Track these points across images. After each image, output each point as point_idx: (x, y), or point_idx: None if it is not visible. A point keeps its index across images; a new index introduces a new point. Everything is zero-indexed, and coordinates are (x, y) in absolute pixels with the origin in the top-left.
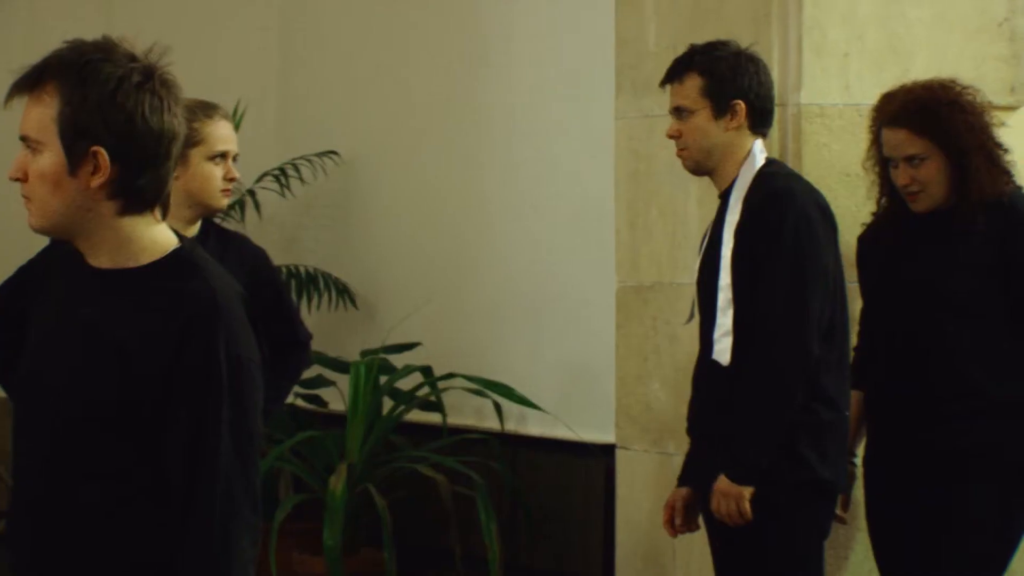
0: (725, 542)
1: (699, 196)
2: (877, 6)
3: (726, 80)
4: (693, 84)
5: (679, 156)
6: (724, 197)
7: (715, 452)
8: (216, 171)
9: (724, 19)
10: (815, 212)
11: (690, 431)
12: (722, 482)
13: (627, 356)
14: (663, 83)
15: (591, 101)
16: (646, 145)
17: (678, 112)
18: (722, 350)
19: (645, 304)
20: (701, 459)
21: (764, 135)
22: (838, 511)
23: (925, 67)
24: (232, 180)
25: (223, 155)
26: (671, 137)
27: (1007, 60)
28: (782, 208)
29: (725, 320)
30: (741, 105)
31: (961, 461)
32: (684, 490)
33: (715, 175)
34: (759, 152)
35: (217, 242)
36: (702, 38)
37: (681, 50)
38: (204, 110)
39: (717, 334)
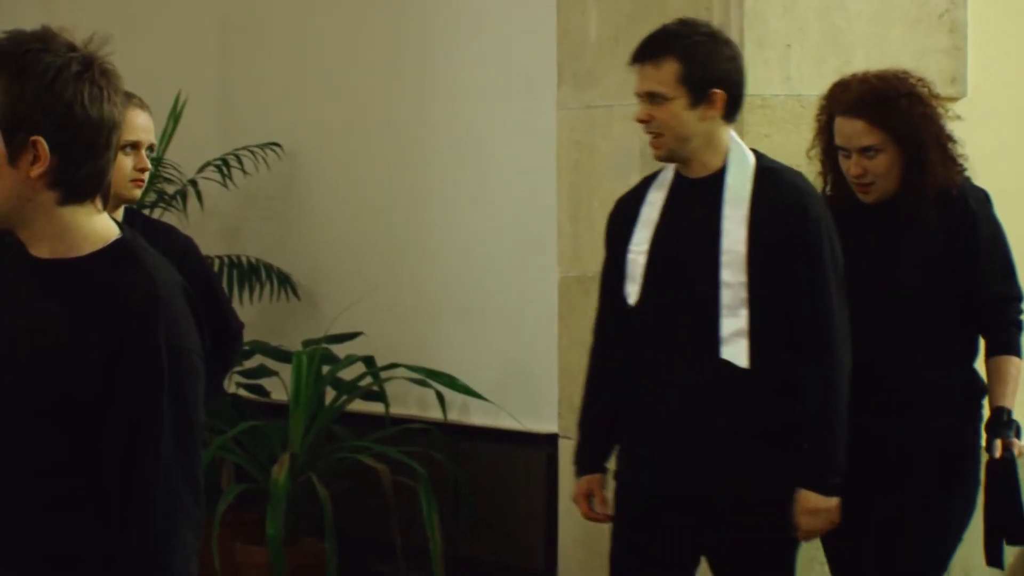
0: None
1: None
2: None
3: (706, 67)
4: (671, 69)
5: (653, 145)
6: (703, 185)
7: (735, 451)
8: (126, 161)
9: (666, 10)
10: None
11: (597, 415)
12: (811, 499)
13: (569, 346)
14: (635, 62)
15: (533, 93)
16: (588, 136)
17: (652, 97)
18: (736, 352)
19: (587, 295)
20: (603, 446)
21: (734, 122)
22: None
23: (866, 59)
24: (143, 171)
25: (134, 145)
26: (641, 122)
27: (948, 52)
28: (814, 208)
29: (736, 320)
30: (720, 94)
31: (911, 453)
32: (598, 476)
33: (690, 162)
34: (739, 141)
35: (143, 233)
36: (644, 30)
37: (623, 42)
38: None
39: (726, 333)
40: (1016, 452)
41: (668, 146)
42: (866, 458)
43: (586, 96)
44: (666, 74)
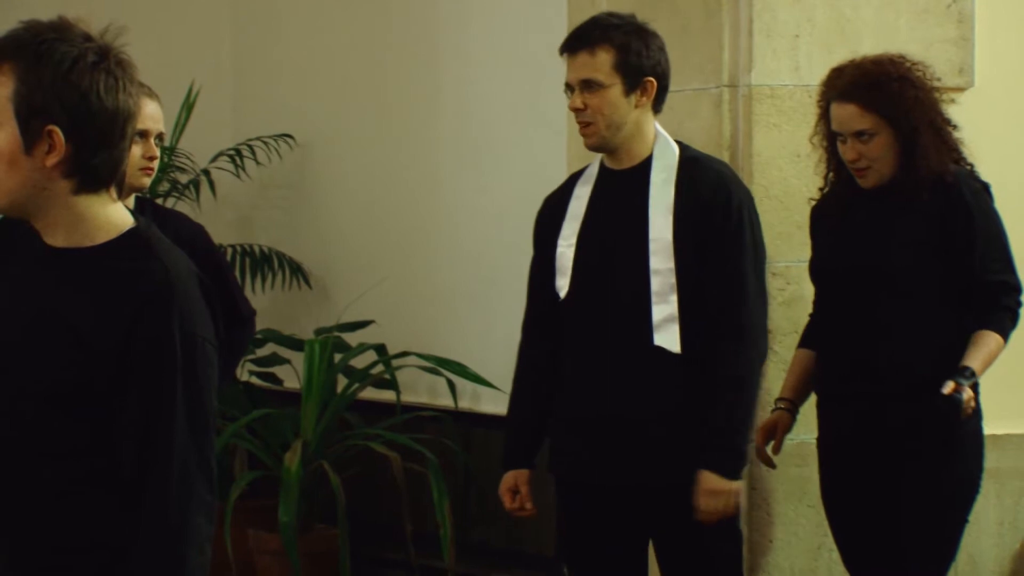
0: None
1: None
2: None
3: (640, 56)
4: (606, 57)
5: (584, 133)
6: (629, 176)
7: (669, 437)
8: (135, 150)
9: (675, 3)
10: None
11: (524, 411)
12: (712, 480)
13: None
14: (566, 51)
15: (544, 82)
16: None
17: (587, 85)
18: (668, 338)
19: None
20: (530, 441)
21: (660, 112)
22: (770, 452)
23: (873, 48)
24: (152, 159)
25: (143, 134)
26: (575, 110)
27: (955, 42)
28: (737, 196)
29: (667, 306)
30: (652, 82)
31: (909, 439)
32: (525, 472)
33: (618, 152)
34: (664, 132)
35: (153, 220)
36: (654, 21)
37: None
38: None
39: (658, 319)
40: (964, 397)
41: (600, 133)
42: (865, 445)
43: None
44: (601, 61)
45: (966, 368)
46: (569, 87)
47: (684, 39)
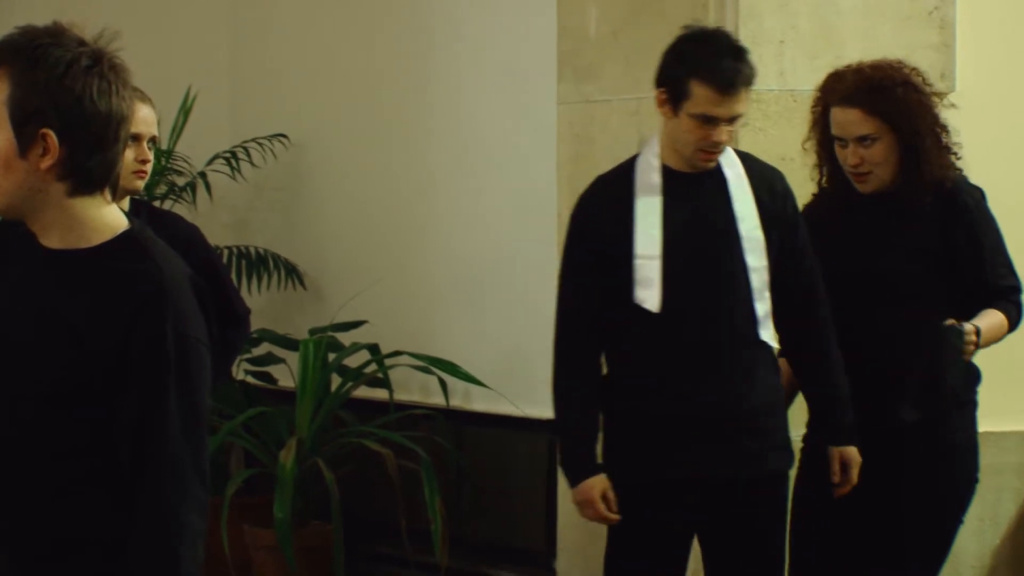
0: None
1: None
2: None
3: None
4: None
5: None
6: (700, 177)
7: (769, 428)
8: (128, 153)
9: (663, 8)
10: None
11: (591, 417)
12: (854, 453)
13: None
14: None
15: (533, 87)
16: (587, 129)
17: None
18: (769, 333)
19: None
20: (595, 446)
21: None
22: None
23: (857, 54)
24: (145, 162)
25: (136, 137)
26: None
27: (937, 48)
28: (790, 188)
29: (765, 303)
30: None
31: (909, 442)
32: (604, 476)
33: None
34: None
35: (149, 222)
36: (642, 27)
37: (622, 38)
38: None
39: (760, 315)
40: (966, 329)
41: None
42: (865, 446)
43: (585, 91)
44: None
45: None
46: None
47: None
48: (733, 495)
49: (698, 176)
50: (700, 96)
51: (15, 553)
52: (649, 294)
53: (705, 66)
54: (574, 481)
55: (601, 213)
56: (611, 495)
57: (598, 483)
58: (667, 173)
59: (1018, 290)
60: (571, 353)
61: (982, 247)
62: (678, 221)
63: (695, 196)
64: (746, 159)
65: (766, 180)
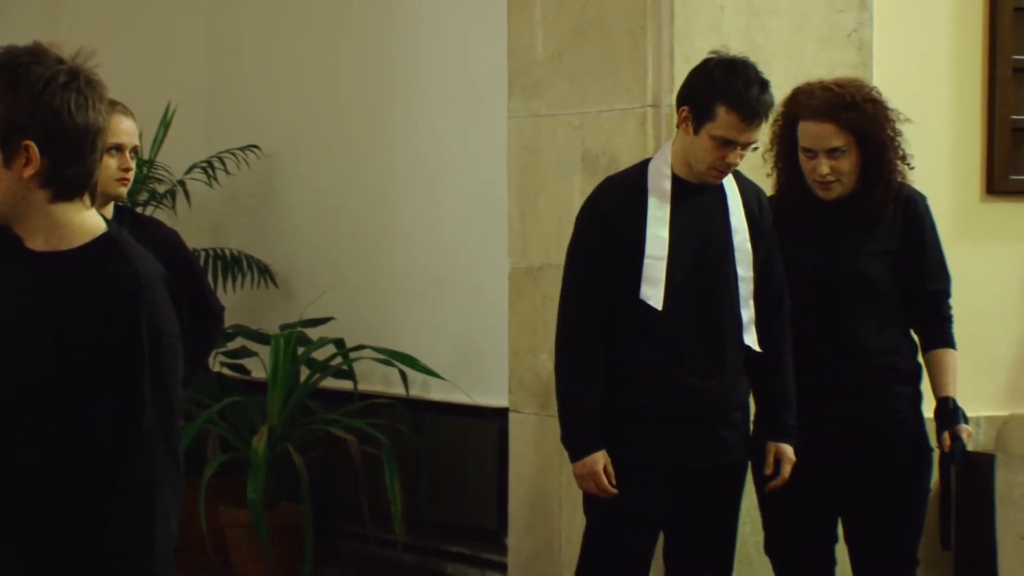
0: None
1: (582, 188)
2: (740, 18)
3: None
4: None
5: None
6: (704, 189)
7: (742, 423)
8: (111, 162)
9: (604, 31)
10: None
11: (597, 401)
12: (791, 452)
13: (518, 330)
14: (750, 121)
15: (486, 103)
16: (535, 142)
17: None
18: (751, 337)
19: (535, 284)
20: (602, 429)
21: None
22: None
23: (784, 72)
24: (127, 170)
25: (118, 147)
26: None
27: (856, 67)
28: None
29: (749, 310)
30: (685, 110)
31: (875, 431)
32: (606, 454)
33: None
34: None
35: (132, 227)
36: (585, 47)
37: (567, 58)
38: None
39: (745, 320)
40: (964, 436)
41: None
42: (828, 440)
43: (533, 106)
44: None
45: (947, 400)
46: None
47: (612, 64)
48: (708, 482)
49: (702, 188)
50: (724, 120)
51: (3, 533)
52: (654, 292)
53: (734, 93)
54: (576, 456)
55: (617, 211)
56: (611, 470)
57: (601, 457)
58: (676, 181)
59: (947, 293)
60: (581, 344)
61: (926, 252)
62: (682, 227)
63: (698, 206)
64: (737, 175)
65: (754, 196)
